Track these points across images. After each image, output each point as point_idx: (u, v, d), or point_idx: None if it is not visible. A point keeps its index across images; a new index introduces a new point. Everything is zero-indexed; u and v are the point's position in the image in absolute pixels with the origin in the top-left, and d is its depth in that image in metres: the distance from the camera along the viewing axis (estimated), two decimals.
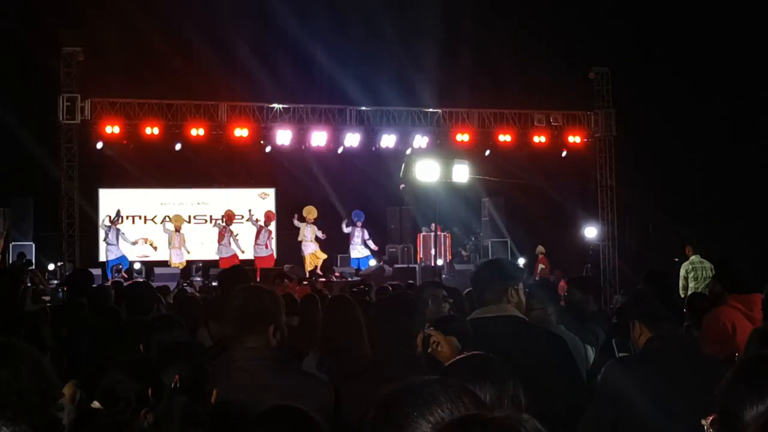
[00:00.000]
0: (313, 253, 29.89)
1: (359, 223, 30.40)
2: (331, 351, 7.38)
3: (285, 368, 5.35)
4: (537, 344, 6.03)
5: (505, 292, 6.18)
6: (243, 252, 29.71)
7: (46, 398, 4.06)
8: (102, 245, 29.88)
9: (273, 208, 32.81)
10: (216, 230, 30.78)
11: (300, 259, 29.72)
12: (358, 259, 30.57)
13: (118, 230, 29.39)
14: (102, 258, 29.66)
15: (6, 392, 3.88)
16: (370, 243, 30.91)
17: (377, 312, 6.03)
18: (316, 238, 30.15)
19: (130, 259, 29.70)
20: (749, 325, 7.09)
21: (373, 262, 30.30)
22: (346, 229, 30.81)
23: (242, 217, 31.74)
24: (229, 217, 30.20)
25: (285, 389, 4.94)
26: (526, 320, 6.35)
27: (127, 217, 31.48)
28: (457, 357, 3.87)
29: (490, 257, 28.95)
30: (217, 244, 29.84)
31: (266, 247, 29.90)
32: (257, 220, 30.91)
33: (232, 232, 29.96)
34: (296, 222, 30.02)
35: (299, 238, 30.02)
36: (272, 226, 31.20)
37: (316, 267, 29.34)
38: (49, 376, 4.11)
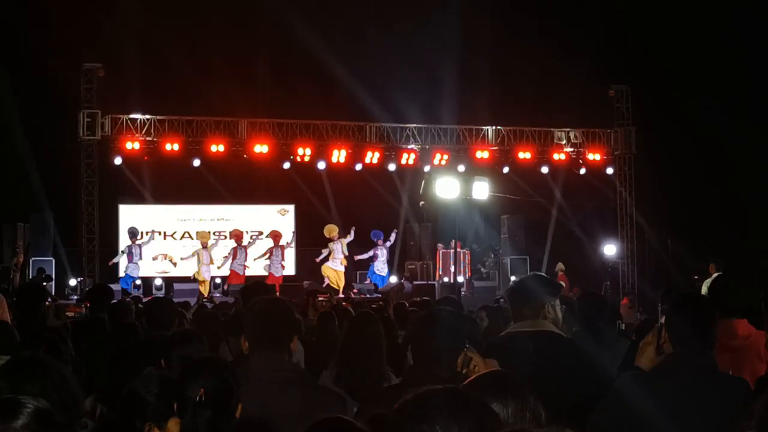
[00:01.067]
0: (339, 272, 29.74)
1: (379, 242, 30.23)
2: (349, 366, 7.34)
3: (302, 382, 5.33)
4: (574, 360, 6.08)
5: (542, 308, 6.22)
6: (248, 267, 29.58)
7: (70, 414, 4.06)
8: (122, 261, 29.87)
9: (292, 225, 32.83)
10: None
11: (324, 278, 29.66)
12: (380, 276, 30.37)
13: (139, 246, 29.26)
14: (122, 273, 29.65)
15: None
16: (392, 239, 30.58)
17: (410, 330, 5.99)
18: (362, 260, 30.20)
19: (150, 274, 29.70)
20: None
21: (393, 279, 30.20)
22: (365, 255, 30.52)
23: (260, 233, 31.69)
24: (237, 236, 30.04)
25: (302, 402, 4.93)
26: (563, 336, 6.39)
27: (147, 233, 31.47)
28: (478, 374, 3.84)
29: (509, 275, 28.96)
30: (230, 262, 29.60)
31: (281, 267, 29.70)
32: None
33: (245, 248, 29.77)
34: (324, 253, 29.85)
35: (319, 258, 29.85)
36: (291, 243, 31.19)
37: (338, 286, 29.18)
38: (74, 392, 4.12)
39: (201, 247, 29.52)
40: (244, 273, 29.04)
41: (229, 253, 29.50)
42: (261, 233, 31.78)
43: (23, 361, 4.50)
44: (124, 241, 30.26)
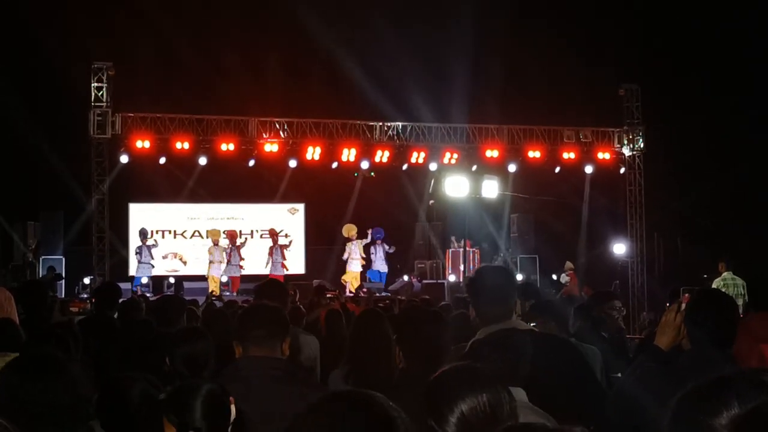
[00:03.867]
0: (356, 273, 29.83)
1: (379, 241, 30.27)
2: (359, 365, 7.36)
3: (293, 379, 5.36)
4: (555, 355, 5.92)
5: (514, 306, 6.04)
6: (243, 268, 29.67)
7: (80, 412, 4.10)
8: (132, 259, 29.92)
9: (302, 224, 32.91)
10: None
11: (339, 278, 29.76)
12: (378, 272, 30.43)
13: (148, 247, 29.30)
14: (132, 272, 29.73)
15: (40, 404, 3.93)
16: (390, 249, 30.64)
17: (405, 326, 5.90)
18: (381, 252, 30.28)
19: (160, 273, 29.76)
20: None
21: (405, 278, 30.22)
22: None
23: (251, 233, 31.82)
24: (231, 237, 30.07)
25: (292, 399, 4.94)
26: (536, 332, 6.28)
27: (157, 232, 31.56)
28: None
29: (518, 273, 28.91)
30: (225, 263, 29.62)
31: (282, 266, 29.69)
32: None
33: (238, 249, 29.79)
34: (347, 253, 29.95)
35: (344, 257, 30.00)
36: (289, 246, 31.24)
37: (352, 287, 29.21)
38: (81, 394, 4.15)
39: (213, 244, 29.64)
40: (239, 274, 29.19)
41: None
42: (251, 233, 31.99)
43: (34, 357, 4.54)
44: (134, 239, 30.33)
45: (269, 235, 30.64)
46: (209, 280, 28.90)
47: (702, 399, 2.55)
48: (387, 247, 30.31)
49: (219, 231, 30.54)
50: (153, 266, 29.19)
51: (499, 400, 3.54)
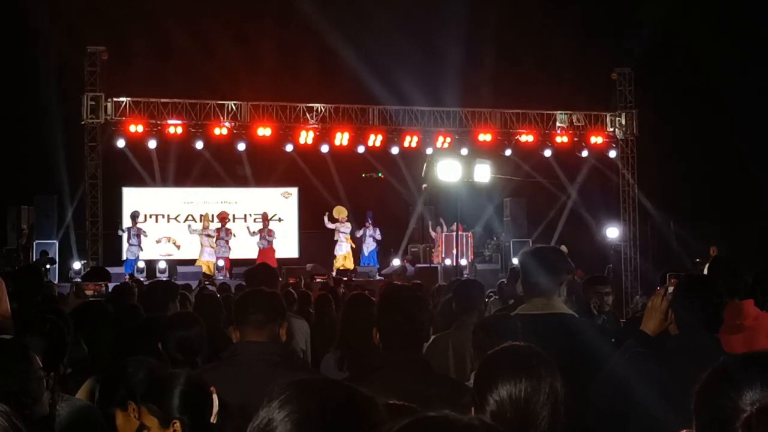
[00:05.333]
0: (346, 255, 29.97)
1: (367, 223, 30.47)
2: (351, 348, 7.39)
3: (287, 364, 5.40)
4: (588, 341, 5.86)
5: (559, 286, 6.06)
6: (231, 249, 29.72)
7: (36, 400, 4.16)
8: (125, 244, 29.93)
9: (296, 207, 32.95)
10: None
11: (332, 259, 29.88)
12: (364, 257, 30.65)
13: (139, 230, 29.24)
14: (125, 256, 29.75)
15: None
16: (377, 234, 30.80)
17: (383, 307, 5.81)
18: (354, 239, 30.35)
19: (154, 257, 29.72)
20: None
21: (396, 262, 30.31)
22: (358, 233, 30.70)
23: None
24: (222, 218, 30.09)
25: None
26: (575, 316, 6.23)
27: (150, 216, 31.58)
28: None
29: (511, 258, 28.97)
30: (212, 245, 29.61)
31: (269, 245, 29.72)
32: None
33: (228, 231, 29.80)
34: (328, 224, 30.07)
35: (335, 238, 30.11)
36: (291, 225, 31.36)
37: (347, 270, 29.28)
38: (39, 380, 4.23)
39: (202, 228, 29.66)
40: (229, 254, 29.32)
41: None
42: (245, 217, 32.20)
43: None
44: (127, 223, 30.30)
45: (261, 218, 30.68)
46: (203, 265, 28.84)
47: (725, 379, 2.60)
48: (375, 231, 30.55)
49: (208, 215, 30.52)
50: (141, 249, 29.10)
51: (538, 389, 3.53)
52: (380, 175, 32.45)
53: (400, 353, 5.20)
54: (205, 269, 28.35)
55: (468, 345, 6.51)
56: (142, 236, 29.24)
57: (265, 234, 29.58)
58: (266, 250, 29.13)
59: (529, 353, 3.69)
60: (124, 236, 29.38)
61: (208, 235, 29.14)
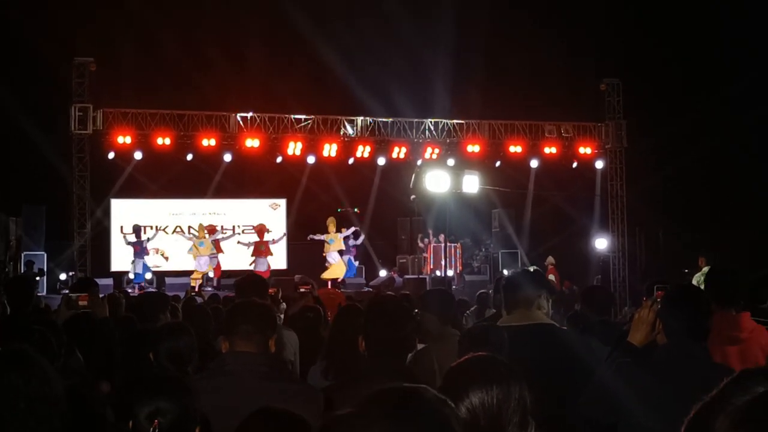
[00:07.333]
0: (337, 264, 29.91)
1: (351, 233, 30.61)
2: (337, 359, 7.37)
3: (275, 375, 5.38)
4: (569, 350, 6.10)
5: (537, 298, 6.32)
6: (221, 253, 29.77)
7: (54, 408, 4.10)
8: (114, 255, 29.85)
9: (284, 219, 32.90)
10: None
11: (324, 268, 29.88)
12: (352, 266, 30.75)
13: (141, 242, 29.17)
14: (114, 268, 29.70)
15: (15, 398, 3.94)
16: (351, 240, 30.80)
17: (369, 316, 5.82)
18: (349, 246, 30.35)
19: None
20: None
21: (383, 273, 30.29)
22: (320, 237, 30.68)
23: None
24: (210, 231, 30.04)
25: (274, 394, 4.97)
26: (556, 326, 6.47)
27: (150, 227, 31.59)
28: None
29: (500, 268, 29.02)
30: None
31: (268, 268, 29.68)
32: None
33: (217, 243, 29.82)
34: (320, 237, 30.01)
35: (325, 251, 30.07)
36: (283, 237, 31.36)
37: (336, 279, 29.23)
38: (56, 387, 4.16)
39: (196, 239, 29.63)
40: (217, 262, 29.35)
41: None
42: (233, 229, 32.14)
43: (7, 353, 4.56)
44: (116, 235, 30.29)
45: (257, 231, 30.54)
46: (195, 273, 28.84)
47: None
48: (354, 238, 30.57)
49: (202, 225, 30.47)
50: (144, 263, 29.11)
51: (508, 396, 3.61)
52: (356, 210, 32.45)
53: (385, 361, 5.24)
54: (192, 282, 28.32)
55: (452, 357, 6.53)
56: (148, 247, 29.25)
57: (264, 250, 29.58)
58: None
59: (498, 362, 3.81)
60: (130, 249, 29.25)
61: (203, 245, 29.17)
